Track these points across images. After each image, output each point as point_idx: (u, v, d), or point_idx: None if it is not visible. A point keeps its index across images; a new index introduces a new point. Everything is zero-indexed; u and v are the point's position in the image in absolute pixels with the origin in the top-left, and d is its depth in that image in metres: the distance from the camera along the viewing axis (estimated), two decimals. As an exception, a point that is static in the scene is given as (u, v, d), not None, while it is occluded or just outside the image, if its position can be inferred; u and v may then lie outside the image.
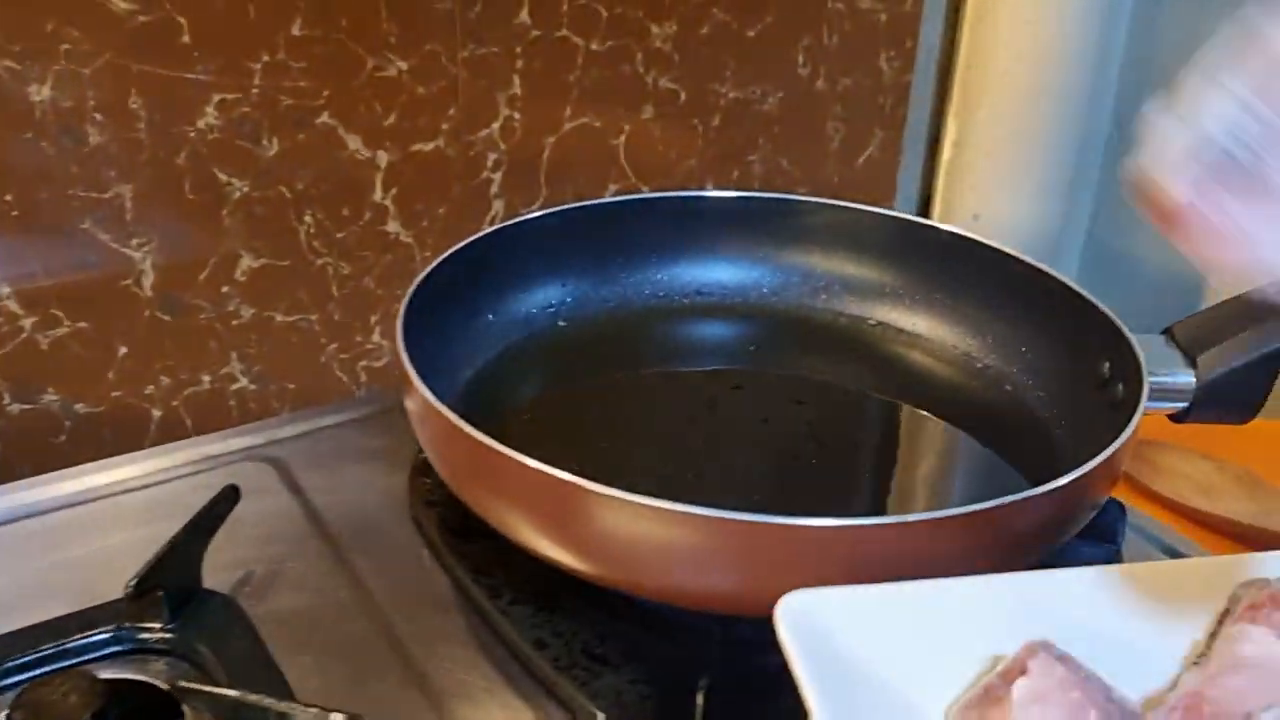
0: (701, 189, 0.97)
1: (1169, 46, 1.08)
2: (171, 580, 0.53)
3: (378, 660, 0.54)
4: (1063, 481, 0.48)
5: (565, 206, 0.71)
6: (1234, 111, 0.32)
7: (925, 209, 1.17)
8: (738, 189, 0.97)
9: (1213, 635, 0.45)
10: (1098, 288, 1.22)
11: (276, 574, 0.58)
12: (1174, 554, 0.63)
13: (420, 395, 0.52)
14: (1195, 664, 0.44)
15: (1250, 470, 0.83)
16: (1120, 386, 0.59)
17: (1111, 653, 0.42)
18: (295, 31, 0.75)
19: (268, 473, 0.66)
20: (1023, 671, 0.41)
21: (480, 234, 0.67)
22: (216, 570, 0.57)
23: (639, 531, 0.47)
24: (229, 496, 0.57)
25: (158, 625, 0.53)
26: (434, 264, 0.64)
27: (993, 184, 1.11)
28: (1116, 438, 0.52)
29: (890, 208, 1.11)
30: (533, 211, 0.72)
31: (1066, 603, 0.44)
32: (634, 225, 0.74)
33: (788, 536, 0.46)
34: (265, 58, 0.75)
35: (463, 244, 0.65)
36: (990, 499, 0.47)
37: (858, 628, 0.41)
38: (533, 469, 0.47)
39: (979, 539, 0.48)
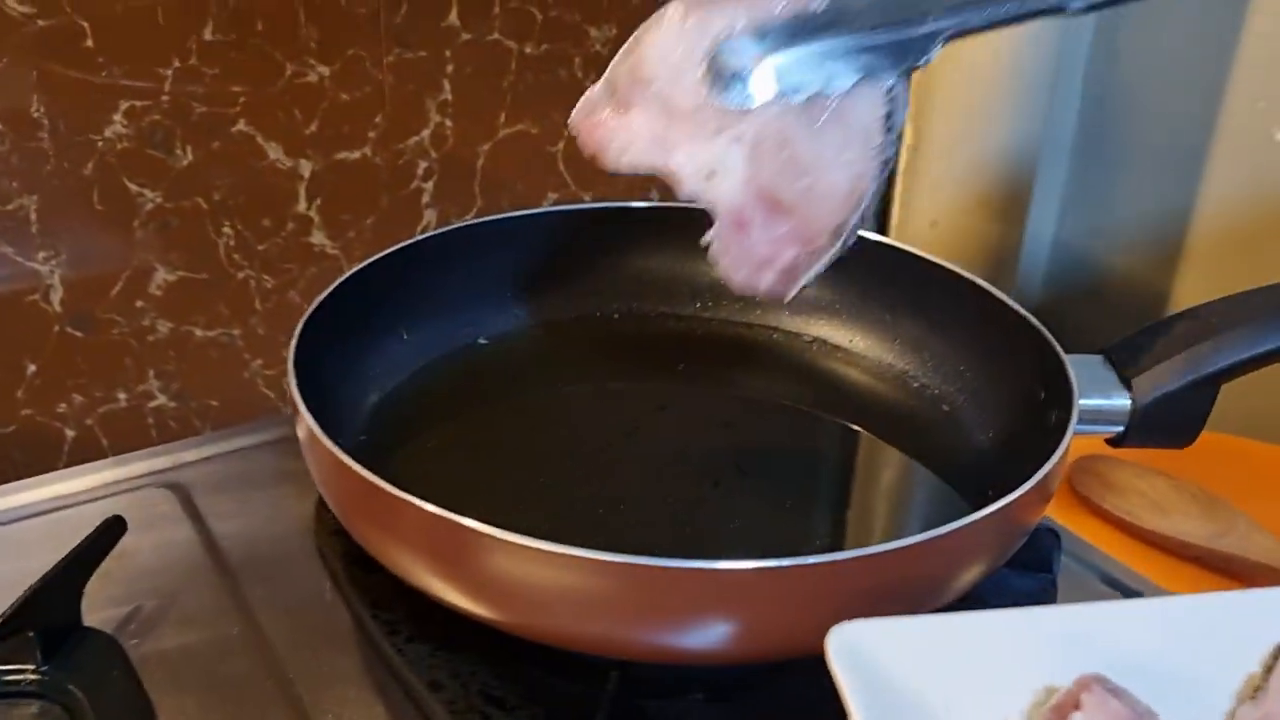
0: (646, 199, 0.94)
1: (1134, 45, 1.06)
2: (46, 618, 0.50)
3: (263, 701, 0.50)
4: (983, 514, 0.46)
5: (481, 219, 0.68)
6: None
7: (882, 215, 1.14)
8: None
9: (1268, 669, 0.43)
10: (1066, 293, 1.21)
11: (166, 609, 0.55)
12: (1114, 584, 0.60)
13: (306, 425, 0.49)
14: (1251, 699, 0.42)
15: (1205, 488, 0.81)
16: (1054, 411, 0.56)
17: (1164, 687, 0.41)
18: (207, 36, 0.72)
19: (168, 500, 0.63)
20: (1076, 706, 0.39)
21: (393, 248, 0.64)
22: (100, 606, 0.54)
23: (535, 576, 0.44)
24: (112, 528, 0.54)
25: (29, 667, 0.50)
26: (339, 281, 0.61)
27: (950, 189, 1.08)
28: (1040, 463, 0.49)
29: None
30: (451, 224, 0.69)
31: (1118, 635, 0.43)
32: (560, 237, 0.71)
33: (690, 581, 0.43)
34: (176, 63, 0.72)
35: (372, 259, 0.62)
36: (917, 530, 0.44)
37: (908, 658, 0.40)
38: (423, 510, 0.44)
39: (898, 575, 0.46)
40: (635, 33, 0.52)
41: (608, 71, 0.53)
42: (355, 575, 0.56)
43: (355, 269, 0.62)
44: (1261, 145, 0.99)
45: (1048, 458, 0.49)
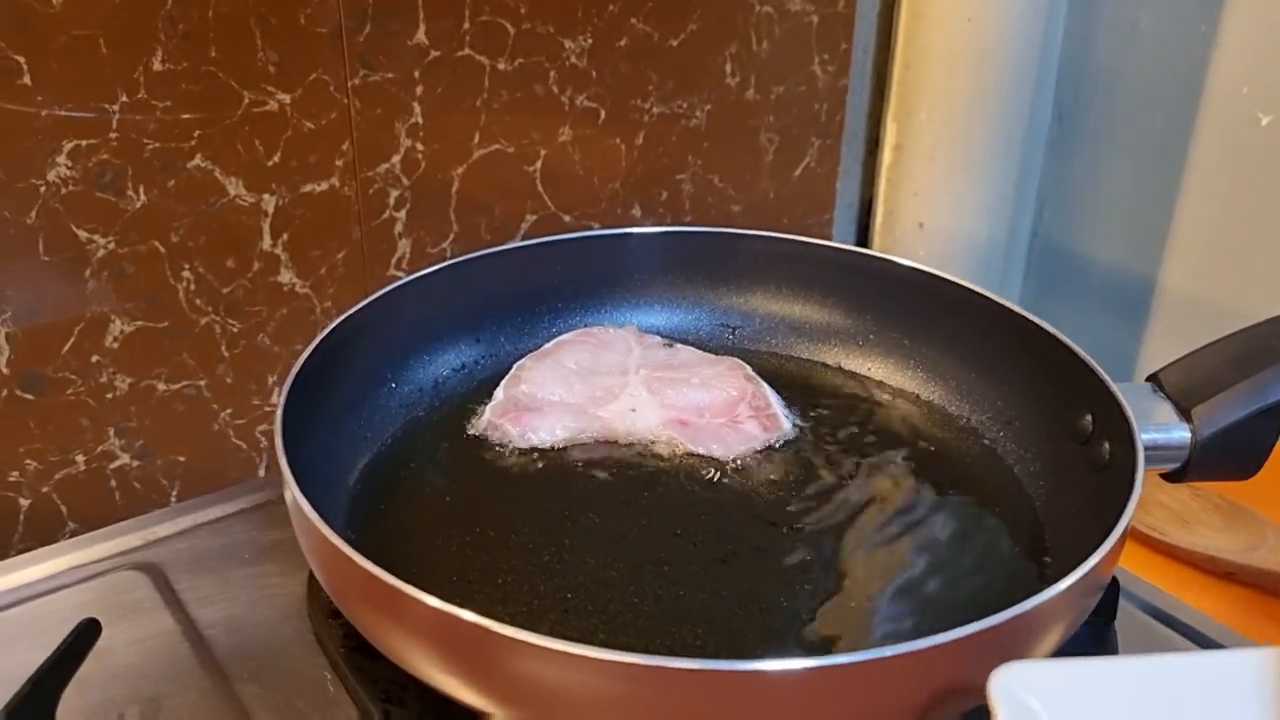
0: (629, 215, 0.90)
1: (1108, 37, 1.03)
2: (17, 741, 0.44)
3: (270, 822, 0.45)
4: (1063, 586, 0.42)
5: (470, 255, 0.63)
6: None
7: (866, 217, 1.10)
8: (668, 218, 0.90)
9: None
10: (1046, 289, 1.18)
11: (152, 716, 0.50)
12: (1166, 620, 0.57)
13: (301, 510, 0.44)
14: None
15: (1226, 497, 0.78)
16: (1106, 445, 0.52)
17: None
18: (156, 66, 0.66)
19: (142, 584, 0.57)
20: None
21: (375, 295, 0.59)
22: (77, 717, 0.48)
23: (562, 680, 0.39)
24: (85, 634, 0.48)
25: (2, 799, 0.44)
26: (320, 336, 0.56)
27: (936, 189, 1.04)
28: (1115, 513, 0.45)
29: (829, 220, 1.05)
30: (434, 264, 0.63)
31: None
32: (552, 269, 0.67)
33: (728, 685, 0.38)
34: (123, 97, 0.66)
35: (354, 309, 0.57)
36: (984, 594, 0.40)
37: (1074, 703, 0.39)
38: (432, 608, 0.40)
39: (977, 658, 0.41)
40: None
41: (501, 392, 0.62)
42: (359, 663, 0.51)
43: (336, 320, 0.56)
44: (1247, 130, 0.96)
45: (1122, 507, 0.45)
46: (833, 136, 1.01)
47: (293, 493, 0.45)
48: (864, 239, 1.11)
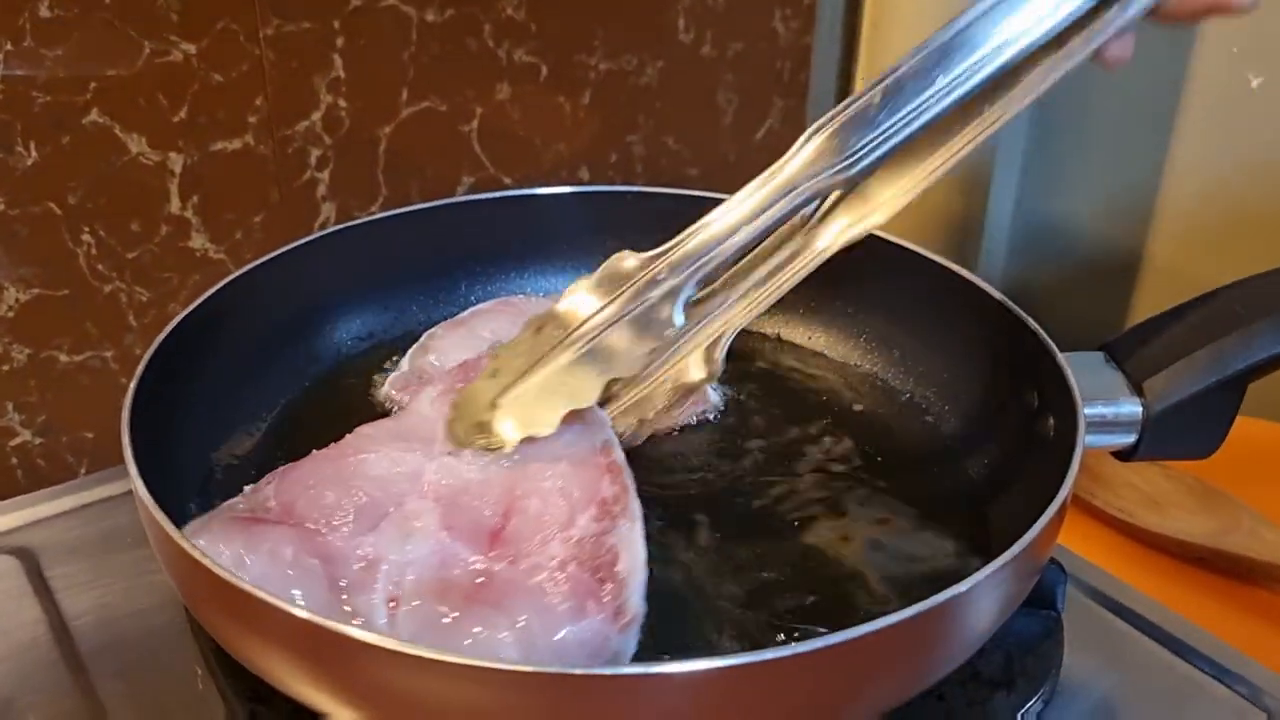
0: (576, 178, 0.85)
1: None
2: None
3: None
4: (997, 565, 0.37)
5: (378, 216, 0.59)
6: None
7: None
8: (618, 182, 0.85)
9: None
10: (1030, 260, 1.13)
11: (3, 712, 0.45)
12: (1119, 610, 0.52)
13: (141, 498, 0.40)
14: None
15: (1200, 479, 0.73)
16: (1051, 420, 0.48)
17: None
18: (44, 13, 0.61)
19: (13, 570, 0.53)
20: None
21: (266, 257, 0.54)
22: (-81, 716, 0.44)
23: (435, 691, 0.35)
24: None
25: None
26: (203, 297, 0.51)
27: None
28: (1049, 494, 0.41)
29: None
30: (347, 222, 0.59)
31: None
32: (470, 232, 0.62)
33: (635, 692, 0.34)
34: (8, 46, 0.61)
35: (238, 273, 0.52)
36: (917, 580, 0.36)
37: None
38: (291, 616, 0.35)
39: (908, 646, 0.37)
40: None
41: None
42: (232, 660, 0.46)
43: (220, 284, 0.52)
44: (1236, 93, 0.91)
45: (1057, 487, 0.41)
46: (797, 96, 0.96)
47: (134, 481, 0.40)
48: (833, 206, 1.06)
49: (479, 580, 0.42)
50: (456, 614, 0.40)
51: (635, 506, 0.46)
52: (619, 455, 0.47)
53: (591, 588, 0.42)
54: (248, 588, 0.36)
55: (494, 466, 0.46)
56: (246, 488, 0.46)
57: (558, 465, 0.46)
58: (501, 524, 0.44)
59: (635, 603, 0.42)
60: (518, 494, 0.45)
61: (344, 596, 0.41)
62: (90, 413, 0.71)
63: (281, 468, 0.46)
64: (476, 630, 0.40)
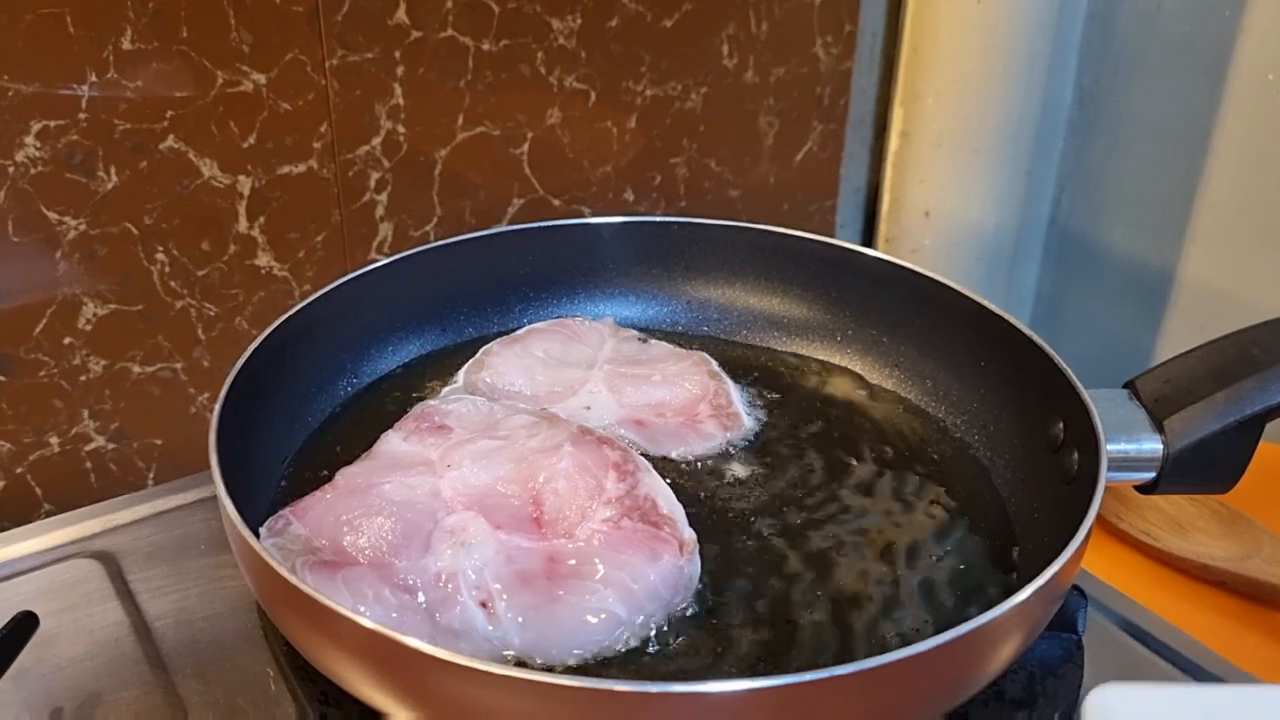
0: (621, 199, 0.88)
1: (1130, 20, 0.99)
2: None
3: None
4: (1022, 597, 0.40)
5: (436, 244, 0.62)
6: None
7: (873, 205, 1.08)
8: (662, 203, 0.88)
9: None
10: (1064, 277, 1.15)
11: (89, 712, 0.49)
12: (1138, 634, 0.55)
13: (230, 518, 0.43)
14: None
15: (1224, 503, 0.75)
16: (1075, 454, 0.50)
17: None
18: (126, 45, 0.65)
19: (96, 574, 0.56)
20: None
21: (333, 285, 0.58)
22: (16, 710, 0.48)
23: (491, 701, 0.38)
24: (19, 629, 0.47)
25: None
26: (277, 322, 0.55)
27: (943, 176, 1.01)
28: (1073, 526, 0.44)
29: (833, 207, 1.02)
30: (404, 251, 0.62)
31: None
32: (525, 259, 0.65)
33: (668, 707, 0.37)
34: (93, 76, 0.65)
35: (308, 300, 0.56)
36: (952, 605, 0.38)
37: None
38: (365, 629, 0.39)
39: (935, 673, 0.40)
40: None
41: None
42: (300, 662, 0.50)
43: (291, 310, 0.55)
44: (1273, 112, 0.93)
45: (1079, 522, 0.44)
46: (836, 121, 0.98)
47: (221, 497, 0.44)
48: (870, 226, 1.09)
49: (551, 560, 0.46)
50: (560, 591, 0.44)
51: (641, 459, 0.51)
52: (599, 431, 0.51)
53: (652, 532, 0.47)
54: (321, 599, 0.40)
55: (498, 470, 0.50)
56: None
57: (559, 451, 0.50)
58: (537, 511, 0.49)
59: (688, 533, 0.48)
60: (538, 482, 0.49)
61: (436, 616, 0.44)
62: (160, 421, 0.75)
63: (291, 506, 0.50)
64: (585, 599, 0.44)
